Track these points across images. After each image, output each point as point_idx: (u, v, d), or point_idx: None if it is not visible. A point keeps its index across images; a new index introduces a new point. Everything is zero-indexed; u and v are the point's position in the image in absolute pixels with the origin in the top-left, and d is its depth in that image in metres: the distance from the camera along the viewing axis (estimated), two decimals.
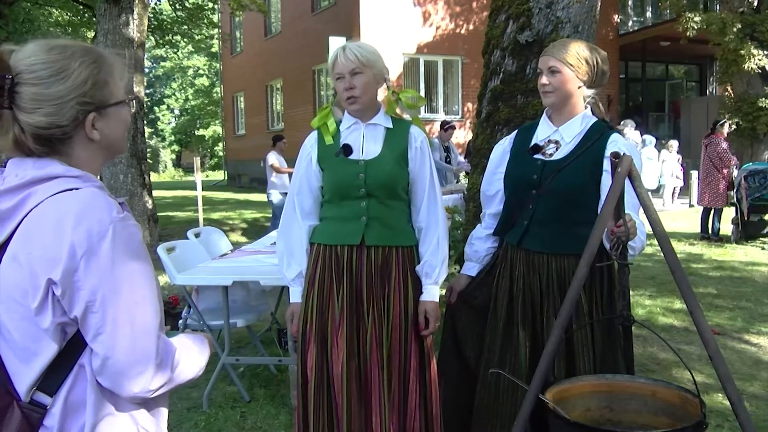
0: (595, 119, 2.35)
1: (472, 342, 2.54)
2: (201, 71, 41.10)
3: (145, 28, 9.52)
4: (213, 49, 31.07)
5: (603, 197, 2.12)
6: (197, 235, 4.75)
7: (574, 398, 1.92)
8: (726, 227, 9.54)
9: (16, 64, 1.19)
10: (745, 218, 9.09)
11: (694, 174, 12.72)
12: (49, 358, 1.18)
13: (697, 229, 9.68)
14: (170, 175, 40.19)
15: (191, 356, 1.31)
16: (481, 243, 2.56)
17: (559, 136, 2.35)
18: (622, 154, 1.86)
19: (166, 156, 44.97)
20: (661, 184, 13.97)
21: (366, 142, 2.43)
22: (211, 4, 17.72)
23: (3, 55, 1.19)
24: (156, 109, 44.08)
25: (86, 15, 15.24)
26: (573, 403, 1.90)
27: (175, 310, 4.79)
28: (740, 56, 13.47)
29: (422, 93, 15.81)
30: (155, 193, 10.58)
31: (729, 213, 9.64)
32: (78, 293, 1.14)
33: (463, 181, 8.42)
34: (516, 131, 2.54)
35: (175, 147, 45.54)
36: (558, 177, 2.26)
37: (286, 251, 2.49)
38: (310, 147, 2.48)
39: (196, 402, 3.77)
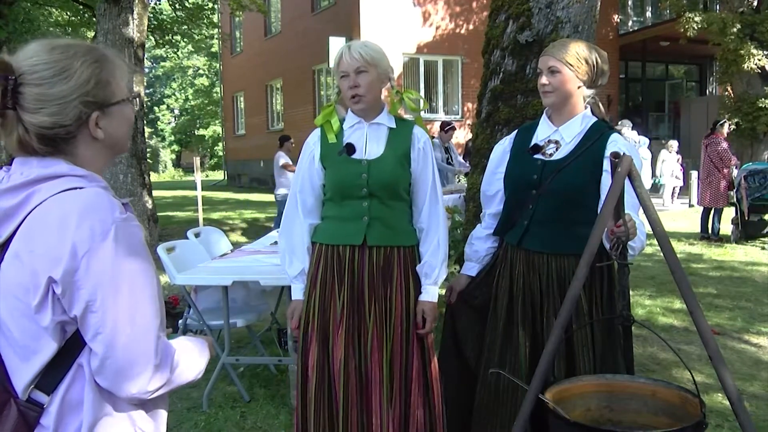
0: (595, 119, 2.35)
1: (472, 342, 2.54)
2: (201, 71, 41.12)
3: (145, 28, 9.52)
4: (213, 49, 31.07)
5: (603, 197, 2.12)
6: (197, 235, 4.75)
7: (574, 398, 1.92)
8: (726, 227, 9.54)
9: (18, 65, 1.19)
10: (745, 218, 9.09)
11: (694, 174, 12.73)
12: (48, 356, 1.18)
13: (697, 229, 9.68)
14: (170, 175, 40.20)
15: (191, 358, 1.31)
16: (481, 243, 2.56)
17: (559, 136, 2.35)
18: (622, 154, 1.86)
19: (166, 156, 44.98)
20: (661, 184, 13.97)
21: (369, 141, 2.42)
22: (211, 4, 17.72)
23: (5, 57, 1.19)
24: (156, 109, 44.08)
25: (86, 15, 15.23)
26: (573, 403, 1.90)
27: (175, 310, 4.79)
28: (740, 56, 13.48)
29: (422, 93, 15.81)
30: (155, 193, 10.58)
31: (729, 213, 9.64)
32: (78, 292, 1.14)
33: (463, 181, 8.42)
34: (516, 131, 2.54)
35: (175, 147, 45.55)
36: (558, 177, 2.26)
37: (288, 249, 2.49)
38: (312, 145, 2.48)
39: (196, 402, 3.77)
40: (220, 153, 31.52)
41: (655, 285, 6.56)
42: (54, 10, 16.39)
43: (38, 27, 15.14)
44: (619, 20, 18.45)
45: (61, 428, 1.20)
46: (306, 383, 2.42)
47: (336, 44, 14.29)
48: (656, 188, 14.03)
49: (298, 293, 2.49)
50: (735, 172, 9.27)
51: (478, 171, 4.12)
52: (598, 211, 2.00)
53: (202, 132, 41.06)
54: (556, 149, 2.33)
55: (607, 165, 2.15)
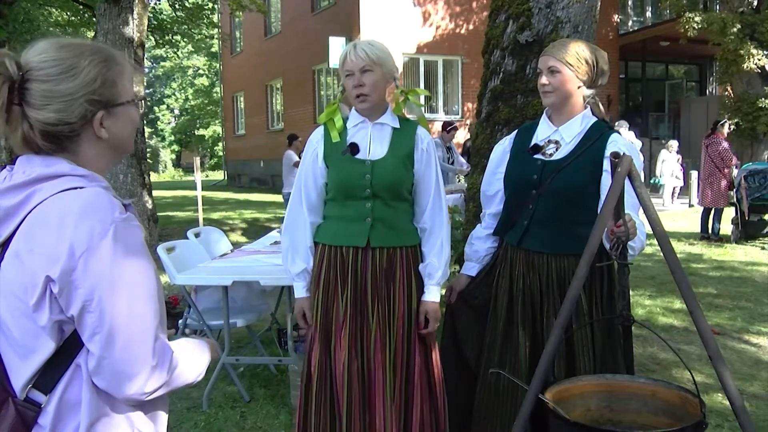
0: (595, 119, 2.35)
1: (472, 342, 2.54)
2: (201, 71, 41.11)
3: (145, 28, 9.52)
4: (213, 49, 31.07)
5: (603, 197, 2.12)
6: (197, 235, 4.75)
7: (574, 398, 1.92)
8: (726, 227, 9.54)
9: (26, 61, 1.20)
10: (745, 218, 9.09)
11: (694, 174, 12.73)
12: (46, 355, 1.18)
13: (697, 229, 9.68)
14: (170, 175, 40.20)
15: (190, 359, 1.30)
16: (481, 243, 2.57)
17: (559, 136, 2.35)
18: (621, 154, 1.86)
19: (166, 156, 44.99)
20: (661, 184, 13.97)
21: (373, 141, 2.42)
22: (211, 4, 17.72)
23: (13, 54, 1.20)
24: (156, 109, 44.08)
25: (86, 15, 15.22)
26: (573, 403, 1.90)
27: (175, 310, 4.80)
28: (740, 56, 13.48)
29: None
30: (155, 193, 10.58)
31: (729, 213, 9.64)
32: (75, 292, 1.14)
33: (463, 181, 8.42)
34: (516, 131, 2.54)
35: (175, 147, 45.56)
36: (558, 177, 2.26)
37: (291, 247, 2.48)
38: (316, 143, 2.47)
39: (196, 402, 3.77)
40: (220, 153, 31.53)
41: (655, 285, 6.56)
42: (54, 10, 16.38)
43: (38, 27, 15.15)
44: (619, 20, 18.44)
45: (58, 428, 1.19)
46: (309, 383, 2.42)
47: (336, 44, 14.30)
48: (656, 188, 14.03)
49: (300, 291, 2.48)
50: (735, 172, 9.27)
51: (478, 171, 4.12)
52: (598, 211, 2.00)
53: (202, 132, 41.07)
54: (556, 149, 2.33)
55: (607, 165, 2.15)
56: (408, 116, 2.57)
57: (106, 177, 1.29)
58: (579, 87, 2.29)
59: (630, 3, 20.14)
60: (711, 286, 6.58)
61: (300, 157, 9.40)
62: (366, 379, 2.37)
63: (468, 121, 13.36)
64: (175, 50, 24.86)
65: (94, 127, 1.24)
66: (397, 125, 2.45)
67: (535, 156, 2.34)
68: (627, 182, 1.86)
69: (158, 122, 44.64)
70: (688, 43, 14.91)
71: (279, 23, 20.61)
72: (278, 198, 16.32)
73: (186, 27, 17.51)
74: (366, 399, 2.37)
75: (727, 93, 15.59)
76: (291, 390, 3.66)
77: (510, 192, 2.43)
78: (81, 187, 1.20)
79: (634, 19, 20.63)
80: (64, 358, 1.19)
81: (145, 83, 10.25)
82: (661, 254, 1.81)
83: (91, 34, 14.83)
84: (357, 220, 2.39)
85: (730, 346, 4.66)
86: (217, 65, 30.21)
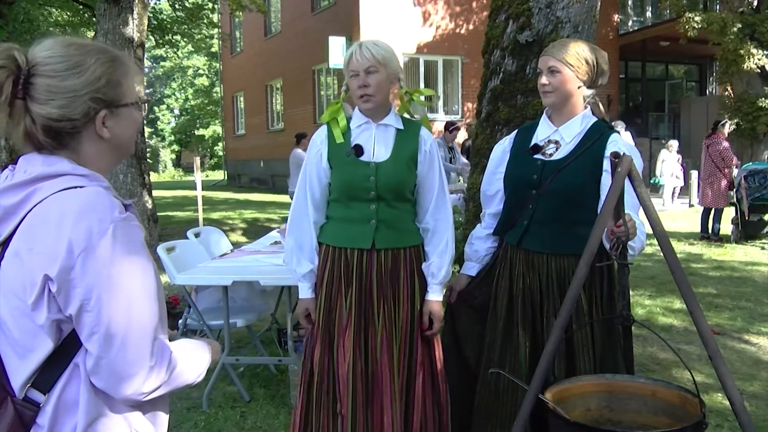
0: (595, 119, 2.35)
1: (472, 342, 2.55)
2: (201, 71, 41.10)
3: (145, 28, 9.52)
4: (213, 49, 31.05)
5: (603, 197, 2.12)
6: (197, 235, 4.75)
7: (574, 398, 1.92)
8: (726, 227, 9.54)
9: (33, 57, 1.21)
10: (745, 218, 9.09)
11: (694, 174, 12.72)
12: (45, 354, 1.18)
13: (697, 229, 9.68)
14: (170, 175, 40.20)
15: (190, 360, 1.30)
16: (480, 243, 2.57)
17: (559, 136, 2.35)
18: (621, 154, 1.86)
19: (166, 156, 44.99)
20: (661, 184, 13.96)
21: (377, 143, 2.41)
22: (211, 4, 17.71)
23: (22, 49, 1.21)
24: (156, 109, 44.06)
25: (86, 15, 15.22)
26: (573, 403, 1.90)
27: (175, 310, 4.79)
28: (740, 56, 13.47)
29: None
30: (155, 193, 10.58)
31: (729, 213, 9.64)
32: (73, 291, 1.14)
33: (462, 181, 8.42)
34: (516, 131, 2.54)
35: (175, 147, 45.56)
36: (558, 177, 2.26)
37: (296, 247, 2.46)
38: (320, 143, 2.45)
39: (196, 402, 3.77)
40: (220, 153, 31.53)
41: (655, 285, 6.56)
42: (54, 10, 16.38)
43: (38, 27, 15.14)
44: (619, 20, 18.45)
45: (56, 428, 1.19)
46: (309, 383, 2.42)
47: (336, 44, 14.30)
48: (656, 188, 14.03)
49: (305, 292, 2.47)
50: (735, 172, 9.27)
51: (478, 171, 4.12)
52: (598, 211, 2.00)
53: (202, 132, 41.07)
54: (556, 149, 2.33)
55: (607, 165, 2.15)
56: (415, 115, 2.56)
57: (105, 177, 1.29)
58: (579, 87, 2.29)
59: (630, 3, 20.14)
60: (711, 286, 6.58)
61: None
62: (370, 379, 2.37)
63: (467, 121, 13.33)
64: (175, 50, 24.88)
65: (96, 126, 1.25)
66: (401, 126, 2.45)
67: (535, 156, 2.34)
68: (627, 182, 1.86)
69: (158, 122, 44.64)
70: (688, 43, 14.90)
71: (279, 23, 20.61)
72: (278, 198, 16.34)
73: (186, 27, 17.51)
74: (369, 398, 2.37)
75: (727, 93, 15.58)
76: (291, 390, 3.66)
77: (510, 192, 2.43)
78: (81, 187, 1.20)
79: (634, 19, 20.63)
80: (62, 358, 1.19)
81: (145, 83, 10.25)
82: (661, 254, 1.81)
83: (91, 34, 14.82)
84: (361, 222, 2.38)
85: (730, 346, 4.66)
86: (217, 65, 30.21)
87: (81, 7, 14.38)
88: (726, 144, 9.23)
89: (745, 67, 13.54)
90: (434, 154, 2.46)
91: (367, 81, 2.32)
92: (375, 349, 2.36)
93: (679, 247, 8.71)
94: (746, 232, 9.27)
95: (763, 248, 8.79)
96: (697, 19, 13.77)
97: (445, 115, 15.99)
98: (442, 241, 2.45)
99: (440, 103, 16.52)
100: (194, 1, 17.02)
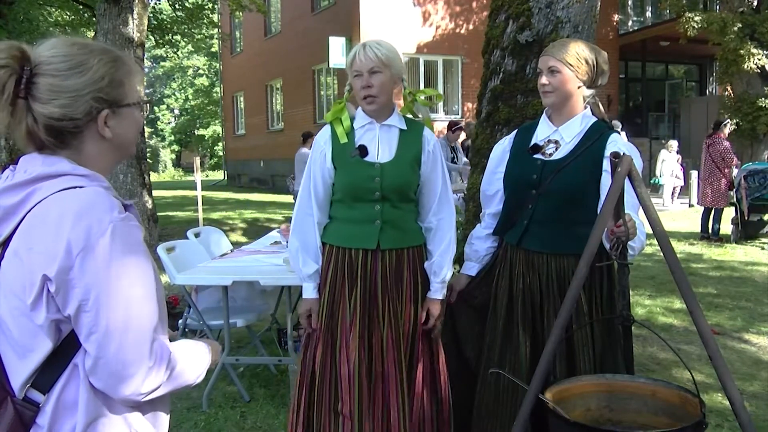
0: (594, 119, 2.35)
1: (472, 342, 2.55)
2: (201, 71, 41.10)
3: (145, 27, 9.51)
4: (213, 49, 31.06)
5: (603, 197, 2.12)
6: (197, 235, 4.75)
7: (574, 398, 1.92)
8: (726, 227, 9.54)
9: (36, 56, 1.21)
10: (745, 218, 9.09)
11: (694, 174, 12.72)
12: (44, 354, 1.18)
13: (697, 229, 9.67)
14: (170, 174, 40.19)
15: (189, 361, 1.30)
16: (480, 243, 2.57)
17: (558, 136, 2.35)
18: (621, 154, 1.86)
19: (166, 156, 44.99)
20: (661, 184, 13.96)
21: (381, 144, 2.41)
22: (211, 4, 17.70)
23: (25, 47, 1.21)
24: (156, 109, 44.03)
25: (86, 15, 15.21)
26: (573, 403, 1.90)
27: (175, 310, 4.79)
28: (740, 56, 13.48)
29: None
30: (155, 193, 10.58)
31: (729, 213, 9.64)
32: (72, 291, 1.14)
33: (462, 181, 8.43)
34: (516, 131, 2.54)
35: (175, 147, 45.56)
36: (558, 177, 2.26)
37: (301, 247, 2.45)
38: (323, 144, 2.45)
39: (196, 402, 3.77)
40: (220, 153, 31.52)
41: (655, 285, 6.56)
42: (54, 10, 16.38)
43: (38, 27, 15.14)
44: (619, 20, 18.45)
45: (55, 428, 1.19)
46: (311, 383, 2.42)
47: (336, 44, 14.30)
48: (656, 188, 14.03)
49: (310, 292, 2.46)
50: (735, 172, 9.27)
51: (478, 171, 4.12)
52: (598, 211, 2.00)
53: (202, 132, 41.06)
54: (556, 149, 2.33)
55: (606, 165, 2.15)
56: (419, 115, 2.57)
57: (106, 177, 1.29)
58: (579, 87, 2.29)
59: (630, 3, 20.14)
60: (711, 286, 6.57)
61: None
62: (374, 378, 2.37)
63: (466, 121, 13.33)
64: (175, 50, 24.84)
65: (98, 126, 1.25)
66: (404, 126, 2.45)
67: (535, 156, 2.34)
68: (627, 182, 1.86)
69: (158, 122, 44.62)
70: (688, 43, 14.91)
71: (279, 23, 20.61)
72: (278, 198, 16.34)
73: (186, 27, 17.48)
74: (373, 397, 2.37)
75: (727, 93, 15.58)
76: (291, 390, 3.66)
77: (510, 192, 2.43)
78: (81, 187, 1.20)
79: (634, 19, 20.63)
80: (62, 358, 1.19)
81: (145, 83, 10.26)
82: (661, 254, 1.81)
83: (91, 34, 14.82)
84: (366, 223, 2.38)
85: (730, 346, 4.66)
86: (217, 65, 30.20)
87: (81, 7, 14.37)
88: (727, 144, 9.23)
89: (745, 67, 13.54)
90: (437, 155, 2.47)
91: (370, 81, 2.32)
92: (380, 349, 2.37)
93: (679, 247, 8.71)
94: (746, 232, 9.27)
95: (763, 248, 8.79)
96: (696, 19, 13.78)
97: (445, 115, 15.99)
98: (445, 240, 2.45)
99: (440, 103, 16.52)
100: (194, 1, 17.01)
